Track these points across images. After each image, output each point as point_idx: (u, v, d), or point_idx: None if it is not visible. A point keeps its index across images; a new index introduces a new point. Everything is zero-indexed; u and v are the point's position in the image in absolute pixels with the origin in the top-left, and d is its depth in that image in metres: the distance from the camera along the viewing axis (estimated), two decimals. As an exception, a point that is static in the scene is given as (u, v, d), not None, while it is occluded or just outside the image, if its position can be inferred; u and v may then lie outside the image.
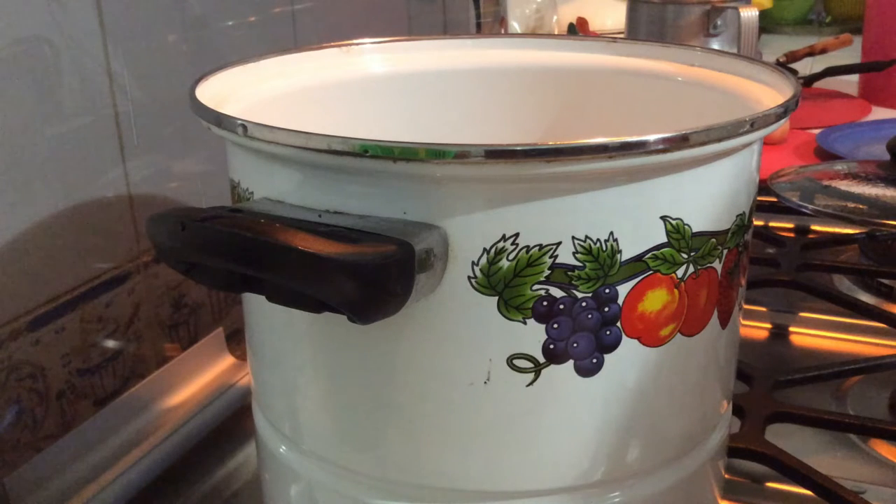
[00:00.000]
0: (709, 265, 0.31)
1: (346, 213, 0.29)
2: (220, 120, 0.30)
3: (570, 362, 0.29)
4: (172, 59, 0.52)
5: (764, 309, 0.64)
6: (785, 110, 0.31)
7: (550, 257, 0.28)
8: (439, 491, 0.32)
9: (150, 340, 0.53)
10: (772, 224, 0.77)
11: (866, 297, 0.63)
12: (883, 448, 0.48)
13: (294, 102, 0.40)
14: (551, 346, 0.29)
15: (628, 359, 0.30)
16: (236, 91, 0.37)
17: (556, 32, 1.27)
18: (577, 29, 1.25)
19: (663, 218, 0.29)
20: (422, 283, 0.27)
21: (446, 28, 0.94)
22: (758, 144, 0.33)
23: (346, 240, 0.26)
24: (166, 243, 0.29)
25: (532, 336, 0.29)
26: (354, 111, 0.43)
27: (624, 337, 0.30)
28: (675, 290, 0.30)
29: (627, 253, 0.29)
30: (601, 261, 0.28)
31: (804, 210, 0.59)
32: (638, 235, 0.29)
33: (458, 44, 0.45)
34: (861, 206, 0.58)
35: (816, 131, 0.92)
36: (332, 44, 0.43)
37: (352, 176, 0.28)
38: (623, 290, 0.29)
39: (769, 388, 0.49)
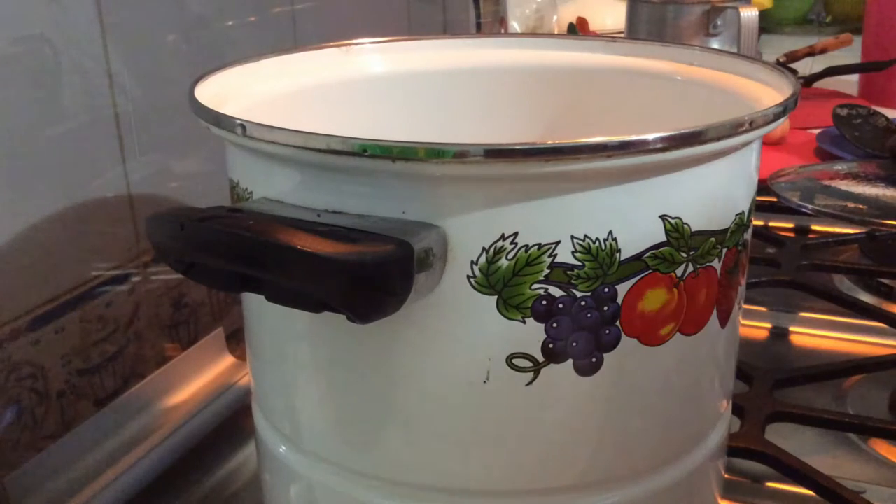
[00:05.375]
0: (708, 264, 0.31)
1: (345, 212, 0.29)
2: (219, 120, 0.30)
3: (570, 362, 0.29)
4: (172, 59, 0.52)
5: (764, 309, 0.64)
6: (784, 109, 0.31)
7: (549, 256, 0.28)
8: (439, 491, 0.32)
9: (150, 340, 0.53)
10: (772, 224, 0.77)
11: (866, 297, 0.63)
12: (883, 448, 0.48)
13: (294, 102, 0.40)
14: (550, 346, 0.29)
15: (628, 358, 0.30)
16: (236, 91, 0.37)
17: (556, 32, 1.27)
18: (577, 29, 1.25)
19: (662, 217, 0.29)
20: (421, 283, 0.27)
21: (446, 28, 0.94)
22: (757, 144, 0.33)
23: (345, 239, 0.26)
24: (166, 243, 0.29)
25: (531, 335, 0.29)
26: (354, 111, 0.43)
27: (623, 336, 0.30)
28: (675, 290, 0.30)
29: (626, 252, 0.29)
30: (600, 260, 0.28)
31: (804, 210, 0.59)
32: (637, 234, 0.29)
33: (458, 44, 0.45)
34: (861, 206, 0.58)
35: (816, 131, 0.92)
36: (332, 44, 0.43)
37: (351, 176, 0.28)
38: (622, 289, 0.29)
39: (769, 388, 0.49)
